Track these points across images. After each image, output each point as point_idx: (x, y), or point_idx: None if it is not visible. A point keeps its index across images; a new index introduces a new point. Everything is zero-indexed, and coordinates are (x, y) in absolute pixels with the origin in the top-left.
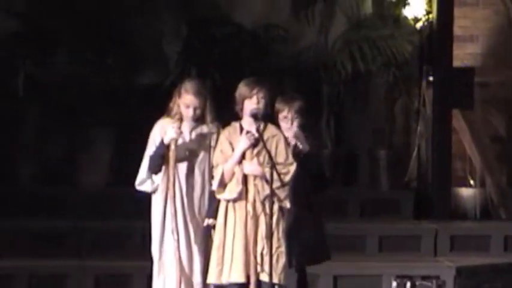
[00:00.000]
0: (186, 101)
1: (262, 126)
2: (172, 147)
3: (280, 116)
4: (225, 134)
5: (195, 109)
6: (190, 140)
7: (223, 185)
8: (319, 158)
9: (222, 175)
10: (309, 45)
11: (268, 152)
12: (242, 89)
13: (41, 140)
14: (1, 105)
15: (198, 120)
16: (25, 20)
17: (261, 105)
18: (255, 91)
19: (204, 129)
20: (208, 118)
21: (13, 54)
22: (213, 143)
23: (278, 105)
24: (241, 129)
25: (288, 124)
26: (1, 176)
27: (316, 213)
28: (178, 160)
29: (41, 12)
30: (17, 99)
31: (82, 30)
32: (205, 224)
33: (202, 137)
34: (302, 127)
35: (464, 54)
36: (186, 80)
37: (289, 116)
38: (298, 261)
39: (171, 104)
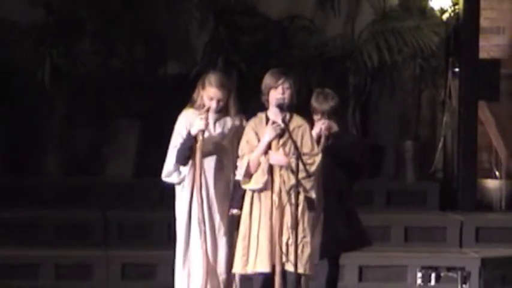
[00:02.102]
0: (210, 93)
1: (288, 117)
2: (200, 138)
3: (315, 117)
4: (251, 124)
5: (218, 101)
6: (215, 131)
7: (249, 175)
8: (357, 147)
9: (248, 165)
10: (334, 35)
11: (294, 143)
12: (268, 79)
13: (68, 131)
14: (28, 96)
15: (221, 111)
16: (52, 10)
17: (287, 95)
18: (280, 81)
19: (228, 121)
20: (232, 111)
21: (40, 44)
22: (236, 135)
23: (312, 104)
24: (267, 119)
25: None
26: (28, 167)
27: (349, 204)
28: (204, 152)
29: (68, 2)
30: (44, 89)
31: (109, 21)
32: (230, 214)
33: (226, 129)
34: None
35: (491, 45)
36: (210, 73)
37: (322, 119)
38: (332, 251)
39: (194, 95)
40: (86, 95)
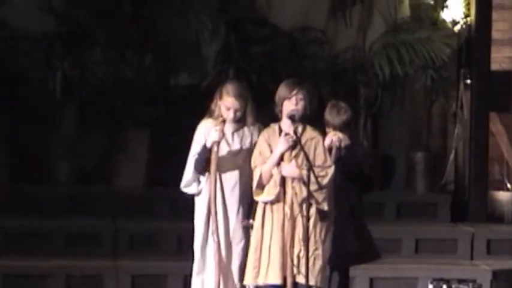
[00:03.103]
0: (227, 103)
1: (300, 129)
2: (215, 149)
3: (327, 129)
4: (263, 135)
5: (235, 111)
6: (233, 141)
7: (261, 186)
8: (368, 159)
9: (260, 177)
10: (346, 47)
11: (306, 155)
12: (282, 90)
13: (78, 140)
14: (39, 105)
15: (240, 121)
16: (63, 19)
17: (300, 106)
18: (294, 92)
19: (246, 131)
20: (249, 120)
21: (51, 54)
22: (254, 143)
23: (325, 117)
24: (280, 131)
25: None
26: (39, 176)
27: (359, 216)
28: (220, 162)
29: (78, 12)
30: (55, 99)
31: (120, 30)
32: (243, 224)
33: (244, 139)
34: (349, 138)
35: (503, 57)
36: (227, 82)
37: (334, 132)
38: (341, 264)
39: (212, 105)
40: (96, 104)
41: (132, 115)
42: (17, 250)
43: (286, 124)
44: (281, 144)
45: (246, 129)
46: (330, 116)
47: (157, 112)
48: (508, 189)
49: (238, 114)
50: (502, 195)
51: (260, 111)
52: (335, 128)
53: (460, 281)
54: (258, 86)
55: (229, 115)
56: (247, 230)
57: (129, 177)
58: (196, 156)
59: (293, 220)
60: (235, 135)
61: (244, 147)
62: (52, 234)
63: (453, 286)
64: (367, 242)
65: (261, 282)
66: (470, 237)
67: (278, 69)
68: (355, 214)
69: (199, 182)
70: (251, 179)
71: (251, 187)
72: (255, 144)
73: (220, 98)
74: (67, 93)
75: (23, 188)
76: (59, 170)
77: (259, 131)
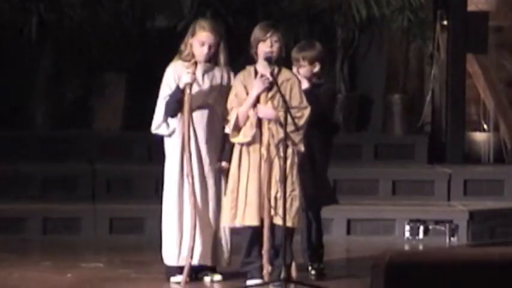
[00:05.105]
0: (202, 37)
1: (276, 70)
2: (188, 91)
3: (297, 65)
4: (239, 77)
5: (209, 47)
6: (204, 83)
7: (237, 128)
8: (325, 101)
9: (237, 119)
10: None
11: (283, 96)
12: (256, 32)
13: (55, 84)
14: (15, 50)
15: (211, 61)
16: None
17: (275, 48)
18: (268, 34)
19: (217, 72)
20: (222, 59)
21: None
22: (225, 87)
23: (293, 55)
24: (256, 73)
25: (305, 72)
26: (15, 120)
27: (319, 162)
28: (192, 103)
29: None
30: (30, 43)
31: None
32: (217, 167)
33: (215, 81)
34: (319, 74)
35: None
36: (200, 19)
37: (304, 64)
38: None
39: (182, 46)
40: (72, 48)
41: (108, 58)
42: None
43: (262, 66)
44: (257, 86)
45: (216, 69)
46: (299, 51)
47: (134, 55)
48: (484, 130)
49: (212, 50)
50: (478, 136)
51: (239, 54)
52: (304, 60)
53: (437, 222)
54: (234, 28)
55: (203, 51)
56: (220, 171)
57: (106, 121)
58: (167, 98)
59: (270, 161)
60: (206, 77)
61: (215, 89)
62: (29, 178)
63: (430, 227)
64: (323, 187)
65: (238, 223)
66: (447, 178)
67: (255, 12)
68: (315, 159)
69: (168, 124)
70: (223, 119)
71: (223, 128)
72: (226, 85)
73: (193, 34)
74: (43, 37)
75: (0, 132)
76: (36, 113)
77: (230, 74)
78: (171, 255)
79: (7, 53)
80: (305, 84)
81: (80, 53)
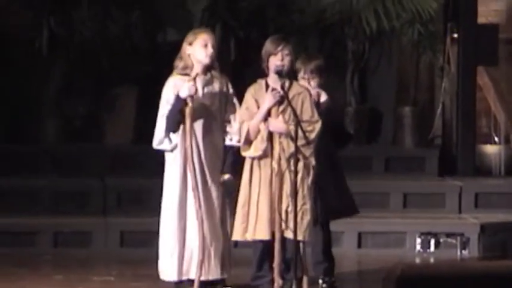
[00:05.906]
0: (204, 38)
1: (287, 84)
2: (190, 104)
3: (299, 76)
4: (250, 91)
5: (213, 47)
6: (204, 96)
7: (248, 142)
8: (338, 113)
9: (248, 132)
10: (333, 1)
11: (294, 110)
12: (268, 45)
13: (66, 99)
14: (26, 64)
15: (210, 70)
16: None
17: (286, 62)
18: (279, 48)
19: (216, 84)
20: (216, 67)
21: (37, 11)
22: (224, 99)
23: (296, 66)
24: (267, 86)
25: (306, 84)
26: (26, 134)
27: (339, 171)
28: (194, 117)
29: None
30: (41, 57)
31: None
32: (221, 180)
33: (215, 92)
34: (320, 86)
35: (489, 10)
36: (191, 31)
37: (306, 76)
38: (323, 218)
39: (177, 61)
40: (83, 62)
41: (119, 72)
42: (5, 208)
43: (273, 79)
44: (268, 100)
45: (215, 81)
46: (302, 62)
47: (145, 69)
48: (495, 143)
49: (214, 52)
50: (489, 149)
51: (249, 67)
52: (305, 72)
53: (448, 235)
54: (245, 41)
55: (208, 51)
56: (226, 184)
57: (117, 134)
58: (168, 112)
59: (281, 175)
60: (206, 89)
61: (215, 101)
62: (40, 192)
63: (441, 240)
64: (346, 197)
65: (249, 237)
66: (458, 191)
67: (265, 25)
68: (335, 169)
69: (170, 139)
70: (224, 132)
71: (223, 140)
72: (227, 94)
73: (191, 42)
74: (54, 51)
75: (11, 147)
76: (47, 128)
77: (228, 85)
78: (170, 269)
79: (18, 68)
80: (324, 96)
81: (91, 67)
